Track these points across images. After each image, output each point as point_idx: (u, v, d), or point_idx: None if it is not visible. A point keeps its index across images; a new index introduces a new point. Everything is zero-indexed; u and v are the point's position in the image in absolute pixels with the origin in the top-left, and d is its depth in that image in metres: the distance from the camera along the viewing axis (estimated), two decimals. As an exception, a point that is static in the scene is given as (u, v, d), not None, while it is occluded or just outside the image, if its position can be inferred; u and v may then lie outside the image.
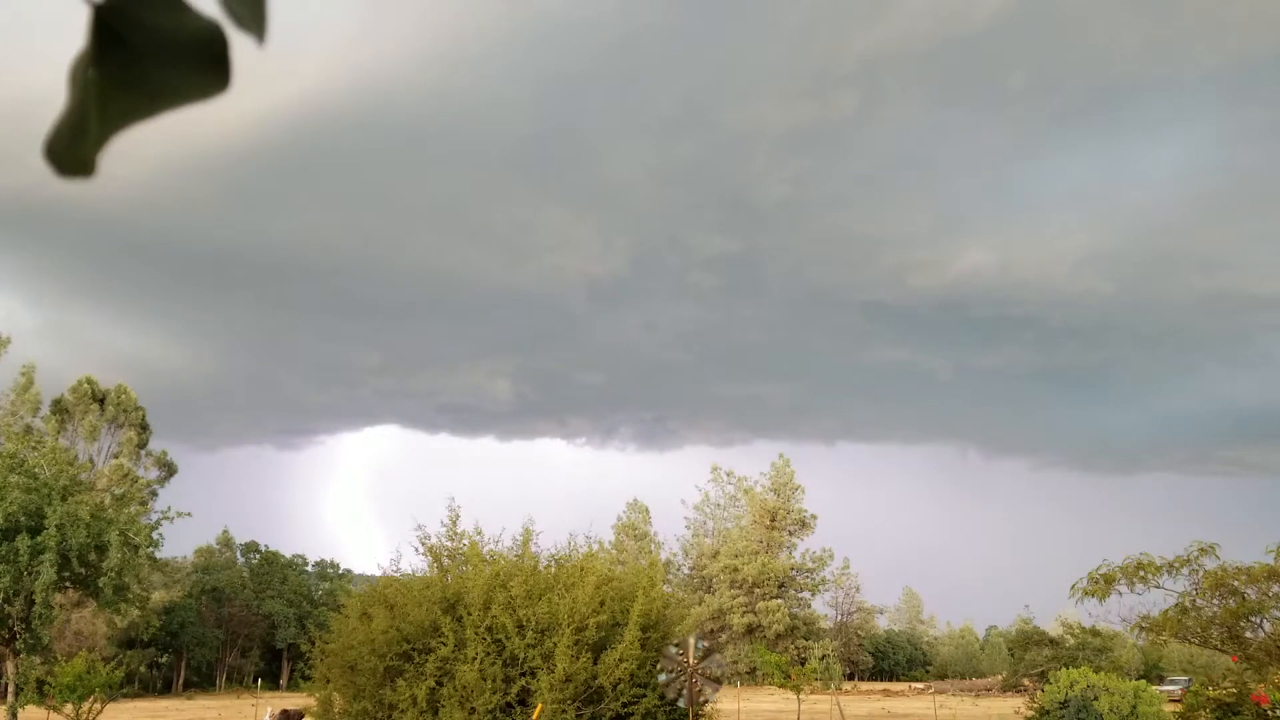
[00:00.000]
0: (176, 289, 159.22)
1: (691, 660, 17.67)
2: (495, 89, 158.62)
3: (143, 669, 63.57)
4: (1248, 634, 23.29)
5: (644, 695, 17.62)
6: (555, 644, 17.19)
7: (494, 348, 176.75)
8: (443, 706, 17.22)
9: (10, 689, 24.94)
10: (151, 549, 25.62)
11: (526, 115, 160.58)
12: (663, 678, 17.62)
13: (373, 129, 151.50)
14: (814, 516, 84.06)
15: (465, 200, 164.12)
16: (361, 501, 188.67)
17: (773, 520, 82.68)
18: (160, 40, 0.78)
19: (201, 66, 0.79)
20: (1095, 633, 46.69)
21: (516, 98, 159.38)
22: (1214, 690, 25.03)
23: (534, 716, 16.89)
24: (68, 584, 25.31)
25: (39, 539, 22.97)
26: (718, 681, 17.92)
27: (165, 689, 67.55)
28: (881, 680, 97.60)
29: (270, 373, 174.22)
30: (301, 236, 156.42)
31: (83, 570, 24.43)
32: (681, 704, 17.74)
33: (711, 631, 76.79)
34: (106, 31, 0.77)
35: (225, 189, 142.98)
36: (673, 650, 17.84)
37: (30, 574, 23.11)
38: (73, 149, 0.78)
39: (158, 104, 0.79)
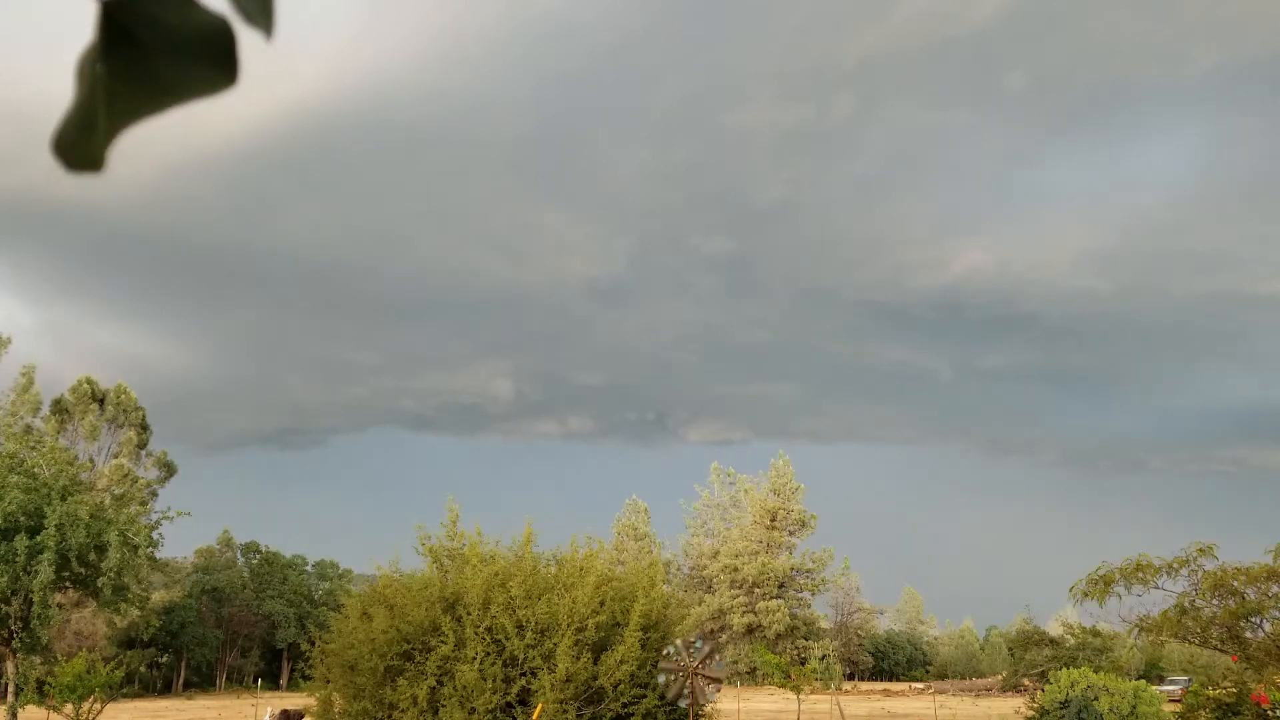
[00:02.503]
0: (177, 289, 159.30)
1: (691, 661, 17.66)
2: (495, 90, 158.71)
3: (143, 669, 63.54)
4: (1247, 634, 23.29)
5: (644, 696, 17.63)
6: (555, 644, 17.19)
7: (494, 348, 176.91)
8: (443, 706, 17.22)
9: (10, 689, 24.93)
10: (151, 549, 25.59)
11: (526, 116, 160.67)
12: (662, 678, 17.61)
13: (373, 130, 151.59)
14: (814, 516, 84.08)
15: (466, 200, 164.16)
16: (361, 501, 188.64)
17: (773, 520, 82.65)
18: (168, 35, 0.77)
19: (209, 62, 0.78)
20: (1095, 633, 46.63)
21: (516, 98, 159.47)
22: (1214, 690, 25.03)
23: (534, 716, 16.90)
24: (68, 584, 25.30)
25: (38, 539, 22.94)
26: (718, 682, 17.90)
27: (165, 689, 67.54)
28: (882, 680, 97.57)
29: (270, 373, 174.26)
30: (302, 236, 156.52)
31: (82, 570, 24.41)
32: (683, 704, 17.73)
33: (711, 631, 76.76)
34: (114, 27, 0.77)
35: (226, 189, 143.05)
36: (673, 650, 17.83)
37: (29, 574, 23.09)
38: (81, 144, 0.77)
39: (166, 99, 0.78)
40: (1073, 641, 47.66)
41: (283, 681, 72.61)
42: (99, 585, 24.27)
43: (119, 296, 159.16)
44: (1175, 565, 23.50)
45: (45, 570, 22.79)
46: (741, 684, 65.23)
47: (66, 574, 24.14)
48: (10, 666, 24.62)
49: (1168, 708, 26.12)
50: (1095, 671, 26.42)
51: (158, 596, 63.40)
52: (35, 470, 24.62)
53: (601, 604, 17.92)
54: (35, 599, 23.21)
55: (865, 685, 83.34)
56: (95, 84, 0.77)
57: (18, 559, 22.77)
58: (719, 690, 18.17)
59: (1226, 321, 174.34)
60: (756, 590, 79.59)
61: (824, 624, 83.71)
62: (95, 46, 0.77)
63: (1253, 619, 22.99)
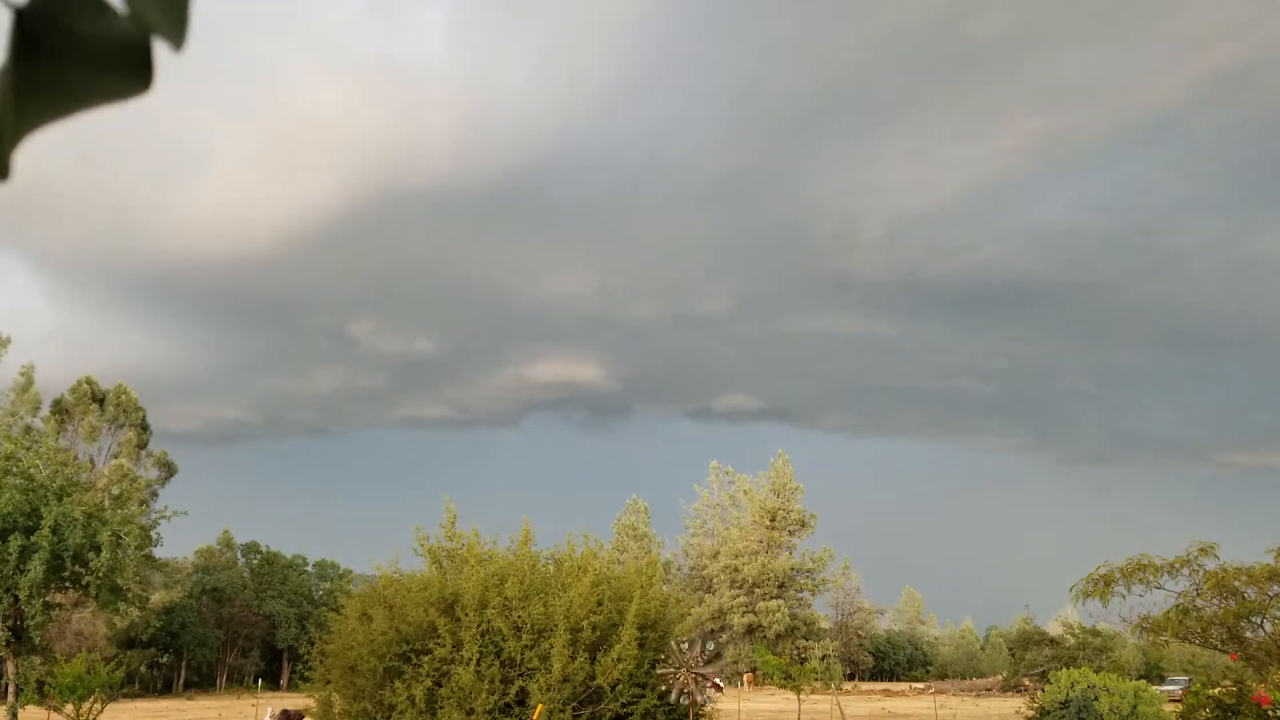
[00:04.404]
0: (179, 289, 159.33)
1: (691, 660, 17.63)
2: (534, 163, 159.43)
3: (143, 669, 63.52)
4: (1248, 634, 23.25)
5: (643, 695, 17.57)
6: (552, 645, 17.13)
7: (493, 348, 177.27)
8: (441, 708, 17.17)
9: (10, 689, 24.88)
10: (143, 549, 25.42)
11: (543, 177, 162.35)
12: (663, 673, 17.56)
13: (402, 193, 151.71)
14: (814, 516, 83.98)
15: (466, 218, 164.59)
16: (361, 501, 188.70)
17: (772, 520, 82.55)
18: (82, 43, 0.76)
19: (123, 70, 0.77)
20: (1095, 633, 46.56)
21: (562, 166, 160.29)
22: (1214, 690, 24.97)
23: (534, 717, 16.84)
24: (67, 584, 25.23)
25: (33, 539, 22.85)
26: (719, 684, 17.86)
27: (165, 689, 67.52)
28: (882, 680, 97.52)
29: (272, 373, 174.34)
30: (303, 238, 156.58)
31: (80, 570, 24.34)
32: (684, 702, 17.68)
33: (712, 631, 76.71)
34: (26, 34, 0.76)
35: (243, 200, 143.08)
36: (673, 651, 17.79)
37: (21, 573, 22.99)
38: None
39: (75, 104, 0.78)
40: (1073, 641, 47.61)
41: (283, 682, 72.57)
42: (86, 584, 24.21)
43: (119, 297, 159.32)
44: (1176, 565, 23.46)
45: (36, 569, 22.68)
46: (742, 684, 65.19)
47: (65, 574, 24.07)
48: (10, 667, 24.57)
49: (1168, 708, 26.07)
50: (1095, 671, 26.37)
51: (158, 597, 63.36)
52: (32, 471, 24.52)
53: (599, 604, 17.85)
54: (22, 596, 23.08)
55: (865, 685, 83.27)
56: (4, 90, 0.76)
57: (9, 559, 22.69)
58: (721, 691, 18.15)
59: (1227, 321, 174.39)
60: (756, 590, 79.50)
61: (824, 624, 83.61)
62: (8, 54, 0.76)
63: (1253, 619, 22.95)
